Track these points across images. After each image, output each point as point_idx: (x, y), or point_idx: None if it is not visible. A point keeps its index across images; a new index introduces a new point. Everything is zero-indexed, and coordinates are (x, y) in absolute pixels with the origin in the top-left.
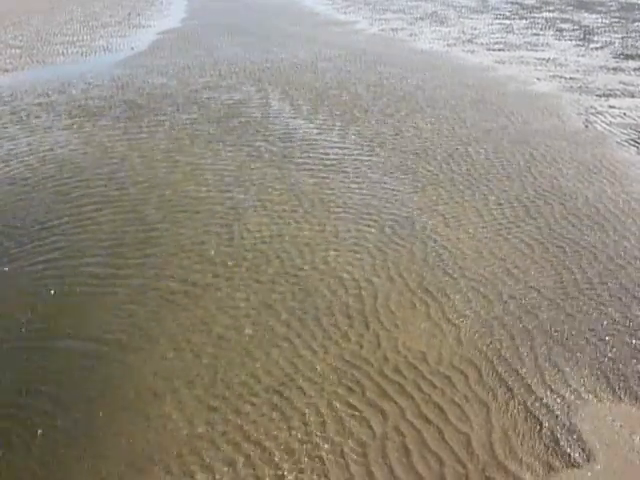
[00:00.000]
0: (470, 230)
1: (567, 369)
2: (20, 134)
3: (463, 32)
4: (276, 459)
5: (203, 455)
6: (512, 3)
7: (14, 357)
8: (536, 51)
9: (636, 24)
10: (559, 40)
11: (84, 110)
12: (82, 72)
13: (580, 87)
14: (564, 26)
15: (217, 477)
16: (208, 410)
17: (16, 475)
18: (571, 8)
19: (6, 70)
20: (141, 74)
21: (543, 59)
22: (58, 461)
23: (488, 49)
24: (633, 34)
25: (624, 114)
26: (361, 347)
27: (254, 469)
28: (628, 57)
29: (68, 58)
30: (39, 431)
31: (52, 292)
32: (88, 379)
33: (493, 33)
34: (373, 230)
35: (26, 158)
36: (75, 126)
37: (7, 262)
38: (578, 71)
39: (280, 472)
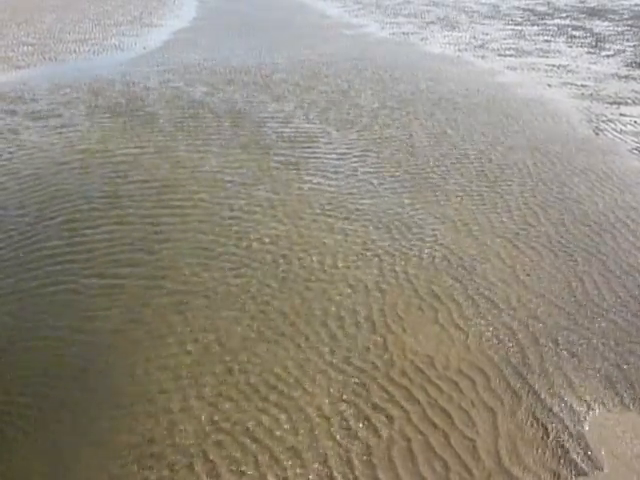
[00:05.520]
0: (479, 236)
1: (575, 377)
2: (30, 132)
3: (474, 37)
4: (281, 461)
5: (208, 454)
6: (524, 9)
7: (22, 353)
8: (547, 58)
9: None
10: (571, 47)
11: (95, 108)
12: (94, 70)
13: (591, 94)
14: (576, 33)
15: (222, 477)
16: (214, 409)
17: (21, 471)
18: (583, 15)
19: (19, 67)
20: (152, 73)
21: (554, 66)
22: (63, 457)
23: (499, 55)
24: None
25: (635, 122)
26: (368, 350)
27: (259, 470)
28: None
29: (80, 56)
30: (45, 427)
31: (62, 288)
32: (94, 375)
33: (504, 39)
34: (382, 234)
35: (33, 156)
36: (85, 124)
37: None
38: (589, 78)
39: (285, 474)
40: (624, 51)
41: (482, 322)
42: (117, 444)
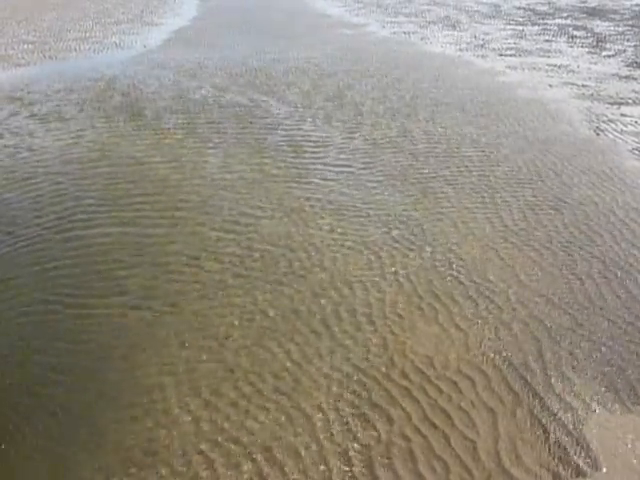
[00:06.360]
0: (479, 236)
1: (575, 378)
2: (28, 132)
3: (475, 37)
4: (280, 461)
5: (206, 454)
6: (525, 9)
7: (22, 356)
8: (548, 57)
9: None
10: (571, 47)
11: (95, 107)
12: (94, 68)
13: (592, 95)
14: (577, 33)
15: (220, 477)
16: (212, 409)
17: (17, 469)
18: (584, 15)
19: (19, 65)
20: (153, 72)
21: (555, 66)
22: (60, 455)
23: (500, 54)
24: None
25: (636, 122)
26: (368, 350)
27: (258, 470)
28: None
29: (80, 54)
30: (45, 427)
31: (61, 291)
32: (94, 376)
33: (505, 39)
34: (382, 234)
35: (32, 156)
36: (85, 123)
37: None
38: (590, 78)
39: (284, 474)
40: (625, 51)
41: (482, 322)
42: (117, 444)
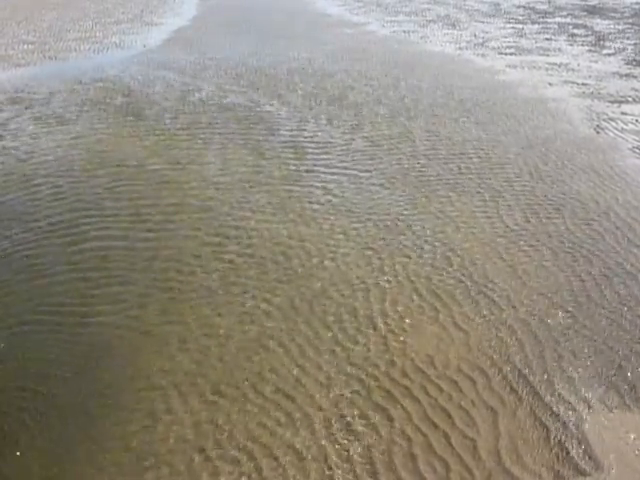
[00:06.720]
0: (480, 235)
1: (576, 377)
2: (27, 132)
3: (475, 35)
4: (281, 461)
5: (208, 454)
6: (524, 8)
7: (21, 358)
8: (548, 56)
9: None
10: (571, 45)
11: (95, 107)
12: (94, 68)
13: (592, 93)
14: (577, 32)
15: (221, 477)
16: (214, 409)
17: (18, 471)
18: (584, 14)
19: (19, 65)
20: (152, 72)
21: (555, 64)
22: (62, 456)
23: (500, 53)
24: None
25: (636, 120)
26: (368, 350)
27: (259, 470)
28: None
29: (80, 54)
30: (45, 427)
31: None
32: (95, 376)
33: (505, 37)
34: (382, 233)
35: (32, 159)
36: (85, 124)
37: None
38: (590, 77)
39: (285, 474)
40: (625, 49)
41: (483, 321)
42: (117, 444)
